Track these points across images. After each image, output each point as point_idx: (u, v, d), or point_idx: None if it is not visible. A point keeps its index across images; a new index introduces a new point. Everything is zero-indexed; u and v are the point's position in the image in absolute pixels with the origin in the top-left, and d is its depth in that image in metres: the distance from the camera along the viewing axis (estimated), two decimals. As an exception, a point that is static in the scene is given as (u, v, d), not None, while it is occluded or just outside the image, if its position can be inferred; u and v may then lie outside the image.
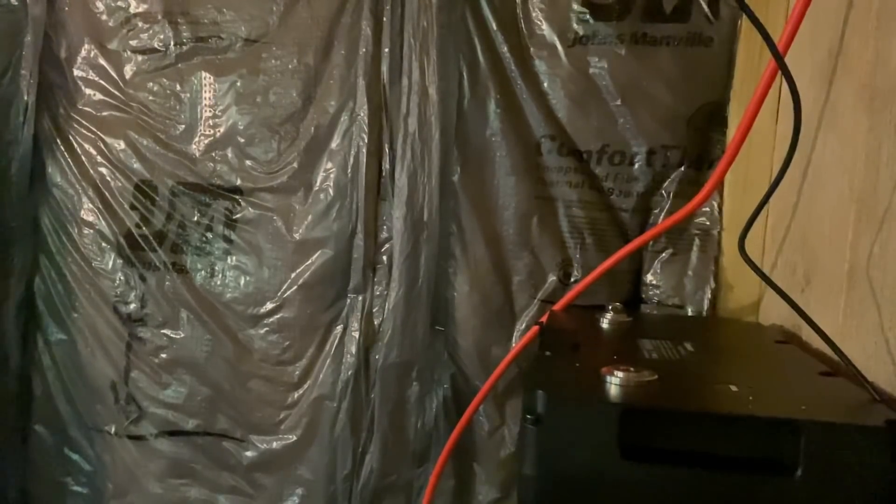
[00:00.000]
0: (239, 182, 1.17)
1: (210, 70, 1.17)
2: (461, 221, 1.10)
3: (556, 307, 0.95)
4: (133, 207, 1.20)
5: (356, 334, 1.13)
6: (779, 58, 0.65)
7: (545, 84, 1.06)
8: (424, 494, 1.07)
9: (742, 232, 0.74)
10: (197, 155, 1.18)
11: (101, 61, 1.20)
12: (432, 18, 1.07)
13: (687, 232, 1.03)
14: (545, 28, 1.05)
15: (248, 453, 1.19)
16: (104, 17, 1.20)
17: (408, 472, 1.13)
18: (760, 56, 0.96)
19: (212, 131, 1.18)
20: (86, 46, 1.21)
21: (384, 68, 1.10)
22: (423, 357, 1.11)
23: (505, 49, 1.06)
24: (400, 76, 1.09)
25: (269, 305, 1.16)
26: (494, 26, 1.06)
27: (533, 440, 0.56)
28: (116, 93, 1.20)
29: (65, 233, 1.23)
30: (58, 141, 1.22)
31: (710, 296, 1.02)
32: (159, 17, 1.18)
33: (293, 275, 1.15)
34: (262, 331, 1.17)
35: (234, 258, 1.18)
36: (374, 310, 1.13)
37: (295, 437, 1.17)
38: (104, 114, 1.21)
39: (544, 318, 0.92)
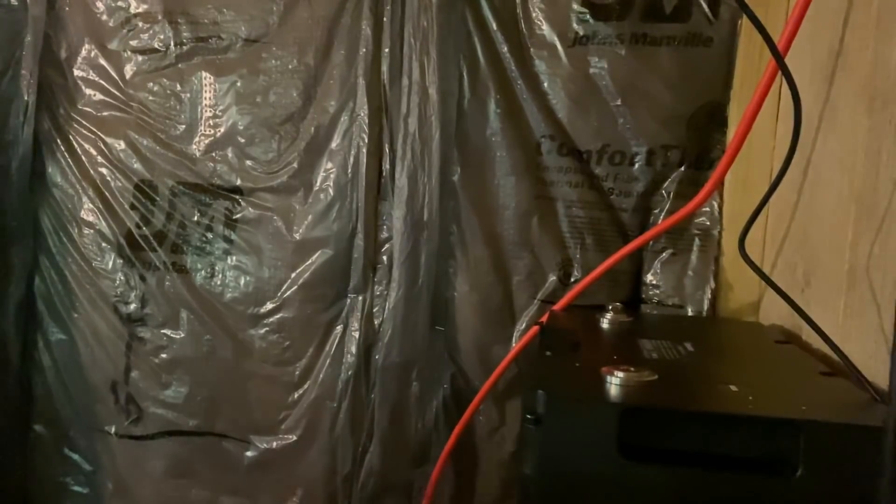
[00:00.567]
0: (239, 182, 1.17)
1: (210, 70, 1.17)
2: (461, 221, 1.09)
3: (556, 307, 0.95)
4: (133, 207, 1.20)
5: (356, 334, 1.13)
6: (779, 58, 0.65)
7: (545, 84, 1.06)
8: (424, 494, 1.07)
9: (742, 232, 0.74)
10: (197, 155, 1.18)
11: (102, 61, 1.20)
12: (432, 18, 1.07)
13: (687, 232, 1.03)
14: (545, 28, 1.05)
15: (248, 453, 1.19)
16: (104, 17, 1.20)
17: (408, 472, 1.13)
18: (760, 56, 0.96)
19: (212, 131, 1.18)
20: (86, 46, 1.21)
21: (384, 68, 1.10)
22: (423, 357, 1.11)
23: (505, 49, 1.06)
24: (400, 76, 1.09)
25: (269, 305, 1.16)
26: (494, 26, 1.06)
27: (533, 440, 0.56)
28: (116, 93, 1.20)
29: (65, 233, 1.23)
30: (58, 141, 1.22)
31: (710, 296, 1.02)
32: (159, 17, 1.18)
33: (293, 275, 1.15)
34: (262, 331, 1.17)
35: (234, 258, 1.18)
36: (374, 310, 1.13)
37: (295, 437, 1.17)
38: (104, 114, 1.21)
39: (544, 318, 0.92)
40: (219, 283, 1.18)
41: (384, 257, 1.13)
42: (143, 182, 1.20)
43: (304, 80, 1.14)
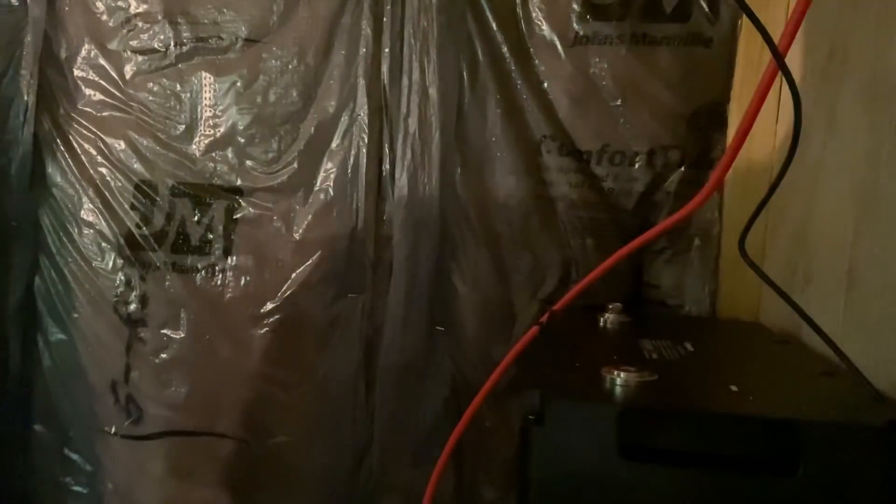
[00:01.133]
0: (239, 182, 1.17)
1: (210, 70, 1.17)
2: (461, 221, 1.09)
3: (556, 307, 0.95)
4: (133, 207, 1.20)
5: (356, 334, 1.13)
6: (779, 58, 0.65)
7: (545, 84, 1.06)
8: (424, 494, 1.07)
9: (742, 232, 0.74)
10: (197, 155, 1.18)
11: (102, 61, 1.20)
12: (432, 18, 1.07)
13: (687, 232, 1.03)
14: (545, 28, 1.05)
15: (248, 453, 1.19)
16: (104, 17, 1.20)
17: (408, 472, 1.13)
18: (760, 56, 0.96)
19: (212, 131, 1.18)
20: (86, 46, 1.21)
21: (384, 68, 1.10)
22: (423, 357, 1.11)
23: (505, 49, 1.06)
24: (400, 76, 1.09)
25: (269, 305, 1.16)
26: (494, 26, 1.06)
27: (533, 440, 0.56)
28: (116, 93, 1.20)
29: (65, 233, 1.23)
30: (58, 141, 1.22)
31: (710, 296, 1.02)
32: (159, 17, 1.18)
33: (293, 275, 1.15)
34: (262, 331, 1.17)
35: (234, 258, 1.18)
36: (374, 310, 1.13)
37: (295, 438, 1.17)
38: (104, 114, 1.21)
39: (544, 318, 0.92)
40: (219, 283, 1.18)
41: (384, 257, 1.13)
42: (143, 182, 1.20)
43: (304, 80, 1.14)
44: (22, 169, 1.21)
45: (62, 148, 1.22)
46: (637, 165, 1.03)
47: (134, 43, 1.19)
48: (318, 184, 1.14)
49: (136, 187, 1.20)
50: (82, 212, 1.22)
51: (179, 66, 1.18)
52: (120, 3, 1.19)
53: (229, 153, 1.18)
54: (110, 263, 1.21)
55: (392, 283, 1.10)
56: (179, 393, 1.20)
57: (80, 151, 1.21)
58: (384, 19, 1.10)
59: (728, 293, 1.01)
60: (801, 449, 0.52)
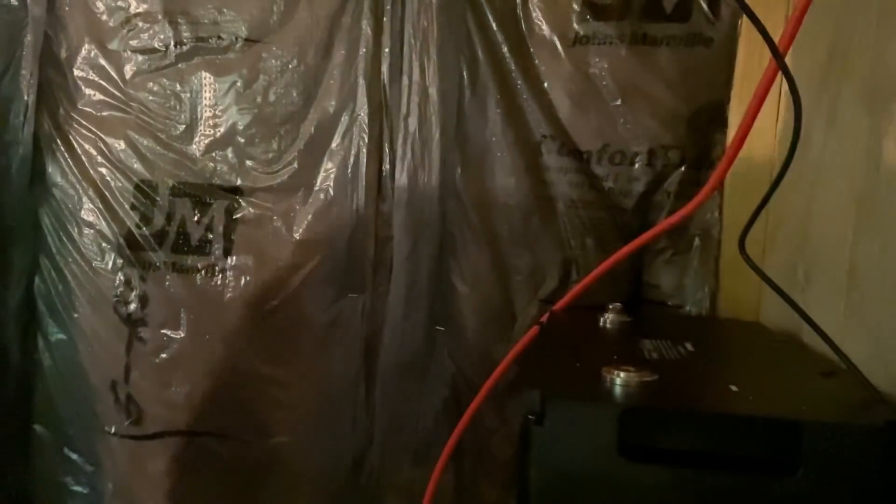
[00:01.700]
0: (239, 182, 1.17)
1: (210, 70, 1.17)
2: (461, 221, 1.09)
3: (556, 307, 0.95)
4: (133, 207, 1.20)
5: (356, 334, 1.13)
6: (779, 58, 0.65)
7: (545, 84, 1.06)
8: (425, 494, 1.07)
9: (742, 232, 0.74)
10: (197, 155, 1.18)
11: (102, 61, 1.20)
12: (432, 18, 1.07)
13: (687, 232, 1.03)
14: (545, 28, 1.05)
15: (249, 453, 1.19)
16: (104, 17, 1.20)
17: (408, 472, 1.13)
18: (760, 56, 0.96)
19: (212, 131, 1.18)
20: (86, 46, 1.21)
21: (384, 68, 1.10)
22: (424, 357, 1.11)
23: (505, 49, 1.06)
24: (400, 76, 1.09)
25: (269, 305, 1.16)
26: (495, 26, 1.06)
27: (533, 440, 0.56)
28: (116, 93, 1.20)
29: (65, 233, 1.23)
30: (58, 141, 1.22)
31: (710, 296, 1.02)
32: (159, 17, 1.18)
33: (293, 275, 1.15)
34: (262, 331, 1.17)
35: (234, 258, 1.18)
36: (374, 310, 1.13)
37: (295, 438, 1.17)
38: (104, 114, 1.21)
39: (544, 318, 0.92)
40: (219, 283, 1.18)
41: (384, 257, 1.13)
42: (143, 182, 1.20)
43: (304, 80, 1.14)
44: (22, 169, 1.21)
45: (62, 148, 1.22)
46: (637, 165, 1.03)
47: (134, 43, 1.19)
48: (318, 184, 1.14)
49: (136, 187, 1.20)
50: (82, 212, 1.22)
51: (179, 65, 1.18)
52: (120, 3, 1.19)
53: (229, 153, 1.18)
54: (110, 263, 1.21)
55: (392, 283, 1.10)
56: (179, 393, 1.20)
57: (80, 151, 1.21)
58: (384, 19, 1.10)
59: (728, 293, 1.01)
60: (802, 449, 0.52)
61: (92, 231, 1.22)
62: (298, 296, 1.15)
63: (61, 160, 1.22)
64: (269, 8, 1.14)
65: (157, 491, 1.23)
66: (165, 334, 1.20)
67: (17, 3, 1.19)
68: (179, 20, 1.17)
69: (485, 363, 1.08)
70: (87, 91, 1.21)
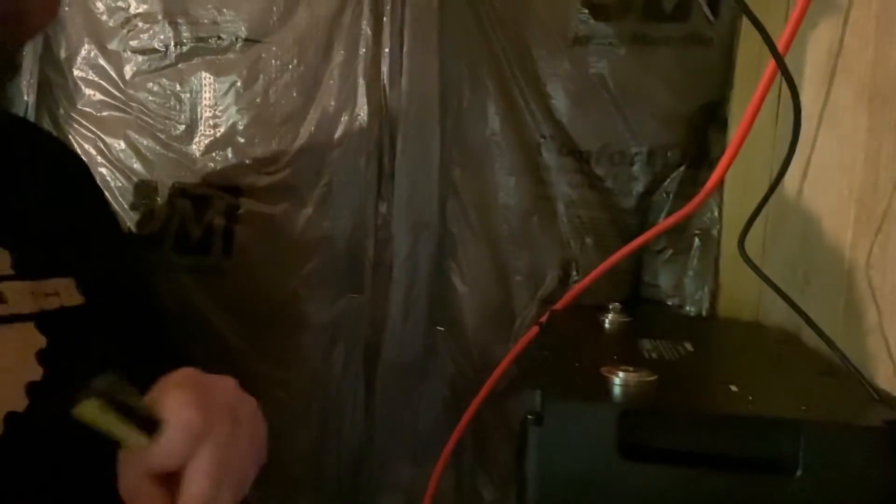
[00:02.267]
0: (239, 182, 1.17)
1: (210, 70, 1.17)
2: (461, 221, 1.09)
3: (556, 307, 0.95)
4: (133, 207, 1.20)
5: (356, 334, 1.13)
6: (779, 58, 0.65)
7: (545, 84, 1.06)
8: (425, 494, 1.07)
9: (742, 232, 0.74)
10: (197, 155, 1.18)
11: (101, 61, 1.20)
12: (433, 18, 1.07)
13: (687, 232, 1.03)
14: (545, 28, 1.05)
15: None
16: (104, 17, 1.20)
17: (408, 472, 1.13)
18: (760, 56, 0.96)
19: (212, 131, 1.18)
20: (86, 46, 1.21)
21: (384, 68, 1.10)
22: (424, 357, 1.11)
23: (505, 49, 1.06)
24: (400, 76, 1.09)
25: (269, 306, 1.16)
26: (495, 26, 1.06)
27: (532, 440, 0.56)
28: (116, 93, 1.20)
29: (65, 233, 1.23)
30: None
31: (709, 296, 1.02)
32: (159, 17, 1.17)
33: (293, 275, 1.15)
34: (262, 331, 1.17)
35: (233, 258, 1.18)
36: (374, 310, 1.13)
37: (295, 437, 1.17)
38: (104, 114, 1.21)
39: (544, 318, 0.92)
40: (219, 283, 1.18)
41: (384, 257, 1.13)
42: (143, 182, 1.20)
43: (304, 80, 1.14)
44: (22, 169, 1.21)
45: (62, 148, 1.22)
46: (637, 165, 1.04)
47: (134, 43, 1.19)
48: (317, 184, 1.14)
49: (136, 187, 1.20)
50: (82, 212, 1.22)
51: (179, 66, 1.18)
52: (120, 3, 1.19)
53: (229, 153, 1.17)
54: (110, 263, 1.21)
55: (392, 283, 1.10)
56: (179, 393, 1.20)
57: (80, 151, 1.21)
58: (384, 19, 1.10)
59: (728, 293, 1.01)
60: (801, 449, 0.52)
61: (92, 231, 1.22)
62: (298, 296, 1.15)
63: (61, 160, 1.22)
64: (269, 8, 1.14)
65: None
66: (165, 334, 1.20)
67: (17, 3, 1.19)
68: (179, 20, 1.17)
69: (485, 363, 1.08)
70: (87, 91, 1.21)
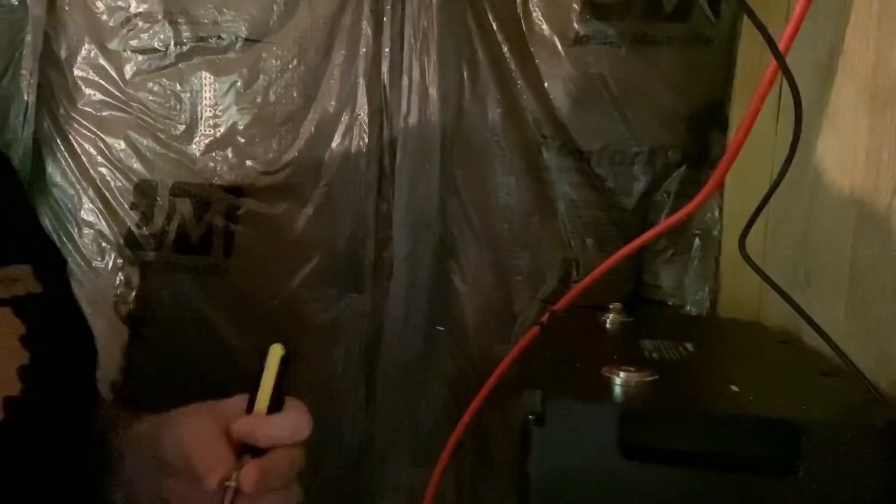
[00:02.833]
0: (239, 182, 1.17)
1: (210, 70, 1.17)
2: (461, 221, 1.09)
3: (557, 307, 0.95)
4: (133, 207, 1.20)
5: (356, 334, 1.13)
6: (779, 57, 0.65)
7: (545, 84, 1.06)
8: (425, 495, 1.07)
9: (742, 232, 0.74)
10: (197, 154, 1.18)
11: (102, 61, 1.20)
12: (432, 18, 1.07)
13: (687, 232, 1.03)
14: (545, 28, 1.05)
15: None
16: (104, 17, 1.20)
17: (408, 472, 1.13)
18: (761, 56, 0.96)
19: (212, 131, 1.18)
20: (86, 46, 1.20)
21: (384, 68, 1.10)
22: (423, 357, 1.11)
23: (505, 49, 1.06)
24: (400, 76, 1.09)
25: (269, 306, 1.16)
26: (495, 26, 1.06)
27: (533, 440, 0.56)
28: (117, 93, 1.20)
29: (64, 232, 1.22)
30: (58, 141, 1.21)
31: (710, 296, 1.02)
32: (159, 17, 1.17)
33: (293, 275, 1.15)
34: (263, 331, 1.17)
35: (234, 258, 1.18)
36: (374, 310, 1.13)
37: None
38: (104, 114, 1.21)
39: (544, 318, 0.92)
40: (219, 283, 1.18)
41: (384, 257, 1.13)
42: (143, 182, 1.20)
43: (304, 80, 1.14)
44: (22, 169, 1.20)
45: (62, 148, 1.22)
46: (637, 165, 1.04)
47: (134, 43, 1.19)
48: (318, 184, 1.14)
49: (136, 187, 1.20)
50: (82, 212, 1.22)
51: (179, 65, 1.18)
52: (120, 3, 1.19)
53: (229, 153, 1.17)
54: (110, 263, 1.21)
55: (392, 283, 1.10)
56: (179, 393, 1.19)
57: (80, 151, 1.21)
58: (384, 19, 1.10)
59: (728, 293, 1.01)
60: (802, 449, 0.52)
61: (92, 231, 1.22)
62: (298, 296, 1.15)
63: (61, 160, 1.22)
64: (269, 8, 1.14)
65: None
66: (166, 334, 1.20)
67: (17, 3, 1.19)
68: (179, 20, 1.17)
69: (485, 363, 1.08)
70: (87, 91, 1.21)
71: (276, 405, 0.61)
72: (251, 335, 1.17)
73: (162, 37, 1.18)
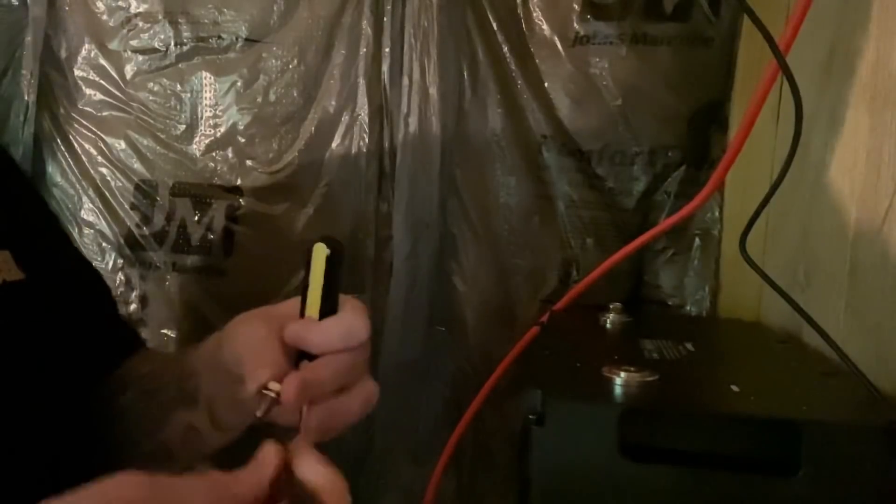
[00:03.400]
0: (239, 182, 1.17)
1: (210, 70, 1.17)
2: (461, 221, 1.09)
3: (557, 307, 0.95)
4: (133, 207, 1.20)
5: (356, 334, 1.13)
6: (780, 57, 0.65)
7: (546, 84, 1.06)
8: (425, 495, 1.07)
9: (743, 232, 0.74)
10: (197, 155, 1.18)
11: (102, 61, 1.20)
12: (433, 18, 1.07)
13: (687, 232, 1.03)
14: (545, 28, 1.05)
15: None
16: (104, 17, 1.20)
17: (408, 472, 1.13)
18: (761, 56, 0.95)
19: (212, 131, 1.18)
20: (86, 46, 1.20)
21: (384, 68, 1.10)
22: (424, 357, 1.11)
23: (505, 49, 1.06)
24: (400, 76, 1.09)
25: (269, 305, 1.16)
26: (495, 26, 1.06)
27: (534, 440, 0.56)
28: (117, 93, 1.20)
29: (65, 233, 1.23)
30: (58, 141, 1.21)
31: (710, 296, 1.02)
32: (160, 17, 1.17)
33: (293, 275, 1.15)
34: (263, 331, 1.16)
35: (234, 258, 1.17)
36: (374, 310, 1.13)
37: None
38: (104, 114, 1.21)
39: (544, 318, 0.92)
40: (219, 283, 1.18)
41: (384, 257, 1.13)
42: (144, 182, 1.20)
43: (304, 80, 1.14)
44: (22, 169, 1.21)
45: (62, 148, 1.21)
46: (637, 165, 1.03)
47: (134, 43, 1.19)
48: (318, 184, 1.14)
49: (137, 187, 1.20)
50: (82, 212, 1.22)
51: (180, 65, 1.18)
52: (120, 3, 1.19)
53: (229, 153, 1.17)
54: (110, 263, 1.21)
55: (392, 283, 1.10)
56: (179, 393, 1.20)
57: (80, 151, 1.21)
58: (384, 19, 1.10)
59: (729, 293, 1.01)
60: (803, 449, 0.52)
61: (92, 231, 1.22)
62: (299, 296, 1.14)
63: (61, 160, 1.22)
64: (269, 8, 1.14)
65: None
66: (165, 334, 1.20)
67: (17, 3, 1.19)
68: (179, 20, 1.17)
69: (485, 363, 1.08)
70: (88, 91, 1.21)
71: (329, 308, 0.54)
72: (251, 335, 1.17)
73: (162, 37, 1.18)
